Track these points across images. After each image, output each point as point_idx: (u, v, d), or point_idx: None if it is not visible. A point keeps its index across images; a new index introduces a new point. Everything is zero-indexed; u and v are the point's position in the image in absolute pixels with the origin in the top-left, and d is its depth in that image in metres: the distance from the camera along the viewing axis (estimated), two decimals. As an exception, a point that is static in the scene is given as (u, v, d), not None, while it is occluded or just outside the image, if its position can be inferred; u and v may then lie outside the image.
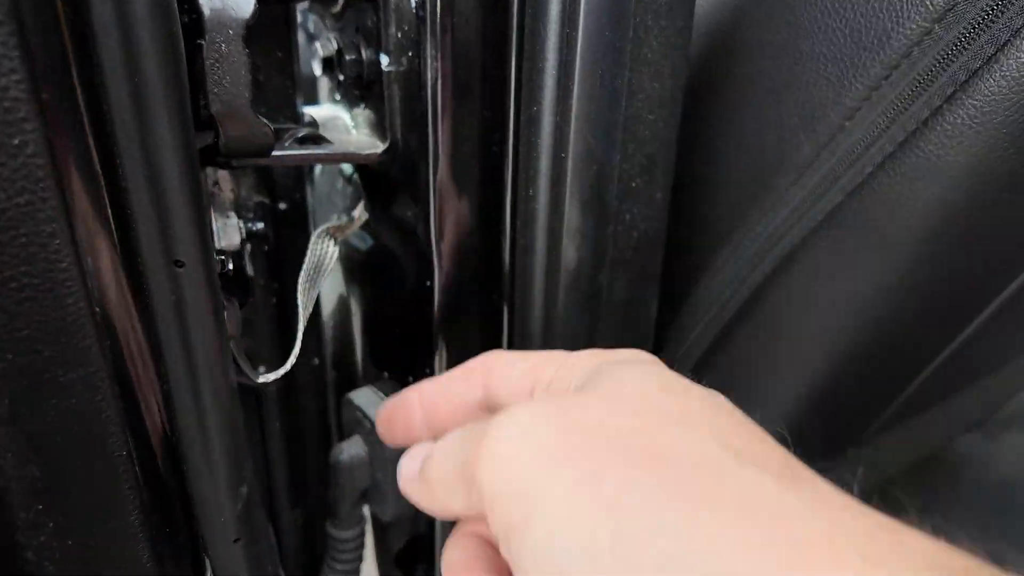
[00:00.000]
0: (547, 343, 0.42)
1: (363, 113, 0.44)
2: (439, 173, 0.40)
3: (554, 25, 0.34)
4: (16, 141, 0.22)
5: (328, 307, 0.56)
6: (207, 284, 0.30)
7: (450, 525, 0.53)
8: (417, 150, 0.41)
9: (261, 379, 0.39)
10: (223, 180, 0.42)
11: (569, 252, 0.39)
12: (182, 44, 0.26)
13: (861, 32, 0.42)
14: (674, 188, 0.58)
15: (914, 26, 0.40)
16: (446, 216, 0.41)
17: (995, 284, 0.51)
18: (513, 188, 0.40)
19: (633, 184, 0.41)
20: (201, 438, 0.32)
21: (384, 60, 0.40)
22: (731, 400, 0.58)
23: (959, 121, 0.40)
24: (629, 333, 0.46)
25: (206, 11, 0.31)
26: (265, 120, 0.34)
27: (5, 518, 0.25)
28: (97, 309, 0.25)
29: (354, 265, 0.53)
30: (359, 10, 0.41)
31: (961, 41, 0.39)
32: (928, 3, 0.39)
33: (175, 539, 0.33)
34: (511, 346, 0.44)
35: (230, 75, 0.31)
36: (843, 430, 0.62)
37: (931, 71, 0.40)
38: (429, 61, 0.38)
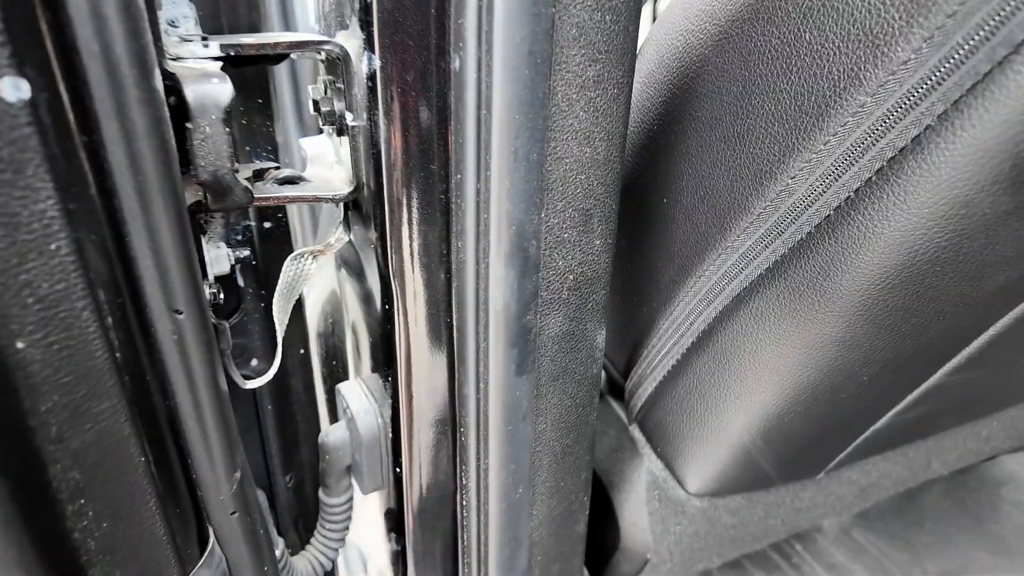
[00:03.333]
0: (481, 370, 0.47)
1: (343, 148, 0.50)
2: (393, 216, 0.46)
3: (471, 107, 0.38)
4: (53, 246, 0.30)
5: (320, 306, 0.64)
6: (201, 324, 0.38)
7: (416, 497, 0.60)
8: (375, 194, 0.46)
9: (249, 385, 0.47)
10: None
11: (495, 296, 0.44)
12: (176, 165, 0.34)
13: (804, 97, 0.43)
14: (643, 217, 0.61)
15: (849, 98, 0.41)
16: (401, 252, 0.47)
17: (950, 345, 0.51)
18: (450, 239, 0.45)
19: (565, 235, 0.45)
20: (202, 439, 0.41)
21: (349, 116, 0.45)
22: (688, 422, 0.62)
23: (886, 196, 0.40)
24: (569, 359, 0.51)
25: (191, 100, 0.37)
26: (246, 183, 0.41)
27: (56, 510, 0.34)
28: (118, 355, 0.34)
29: (347, 272, 0.60)
30: (335, 66, 0.46)
31: (889, 119, 0.39)
32: (862, 77, 0.40)
33: (185, 515, 0.43)
34: (455, 367, 0.50)
35: (214, 151, 0.39)
36: (801, 459, 0.63)
37: (862, 143, 0.41)
38: (380, 123, 0.43)
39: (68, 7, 0.28)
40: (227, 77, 0.40)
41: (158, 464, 0.39)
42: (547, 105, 0.39)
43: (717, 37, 0.49)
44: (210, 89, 0.38)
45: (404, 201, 0.45)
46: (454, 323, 0.47)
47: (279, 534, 0.68)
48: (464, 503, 0.54)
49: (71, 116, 0.30)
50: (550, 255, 0.45)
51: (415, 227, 0.46)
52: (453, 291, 0.46)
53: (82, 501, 0.36)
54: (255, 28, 0.52)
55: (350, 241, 0.55)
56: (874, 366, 0.51)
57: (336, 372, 0.66)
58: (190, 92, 0.38)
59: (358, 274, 0.57)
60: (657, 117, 0.56)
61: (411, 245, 0.46)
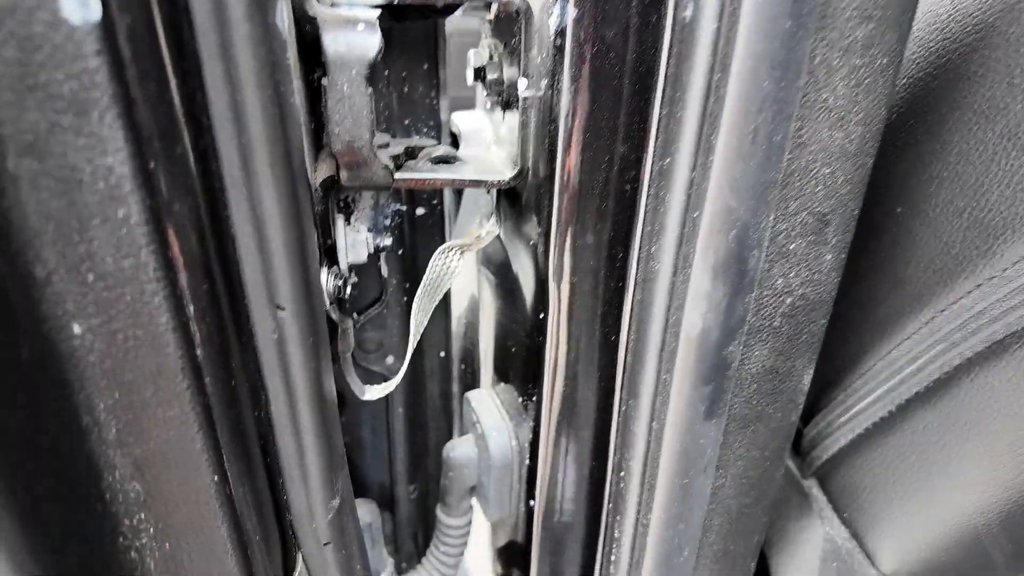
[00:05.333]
0: (658, 407, 0.38)
1: (506, 125, 0.42)
2: (564, 207, 0.37)
3: (700, 69, 0.29)
4: (120, 214, 0.23)
5: (460, 305, 0.57)
6: (309, 324, 0.31)
7: (547, 538, 0.52)
8: (545, 180, 0.38)
9: (368, 396, 0.41)
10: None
11: (692, 319, 0.34)
12: (296, 128, 0.26)
13: None
14: (866, 235, 0.49)
15: None
16: (566, 251, 0.38)
17: None
18: (640, 239, 0.36)
19: (792, 246, 0.35)
20: (297, 459, 0.35)
21: (522, 84, 0.37)
22: (895, 489, 0.49)
23: None
24: (767, 403, 0.40)
25: (328, 50, 0.30)
26: (388, 160, 0.34)
27: (112, 523, 0.29)
28: (198, 352, 0.27)
29: (489, 270, 0.52)
30: (509, 23, 0.38)
31: None
32: None
33: (269, 540, 0.37)
34: (622, 399, 0.41)
35: (351, 115, 0.31)
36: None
37: None
38: (564, 91, 0.34)
39: None
40: (377, 27, 0.32)
41: (238, 483, 0.33)
42: (803, 71, 0.29)
43: (1014, -4, 0.37)
44: (353, 39, 0.31)
45: (580, 190, 0.36)
46: (627, 345, 0.38)
47: (395, 547, 0.62)
48: (614, 559, 0.45)
49: (165, 52, 0.23)
50: (768, 270, 0.35)
51: (590, 223, 0.37)
52: (632, 306, 0.37)
53: (141, 516, 0.30)
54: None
55: (498, 236, 0.47)
56: None
57: (465, 377, 0.59)
58: (328, 40, 0.31)
59: (503, 273, 0.49)
60: (905, 101, 0.44)
61: (583, 245, 0.38)
